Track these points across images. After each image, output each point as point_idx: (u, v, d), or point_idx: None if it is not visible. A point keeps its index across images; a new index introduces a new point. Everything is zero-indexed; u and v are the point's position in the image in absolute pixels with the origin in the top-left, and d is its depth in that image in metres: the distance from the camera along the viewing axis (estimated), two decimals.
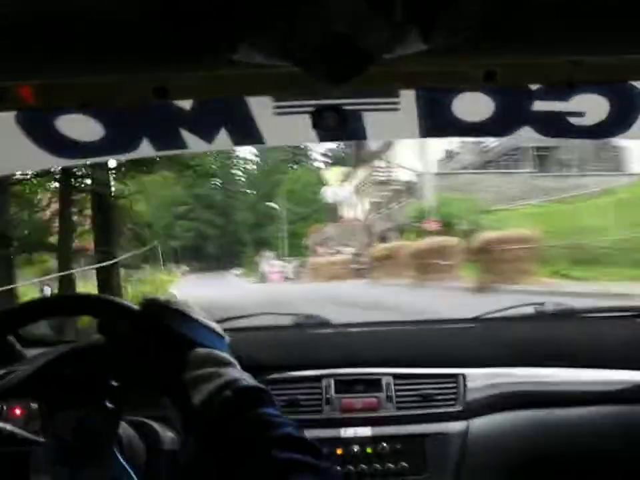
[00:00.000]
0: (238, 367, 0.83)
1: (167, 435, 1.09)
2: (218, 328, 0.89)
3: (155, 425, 1.07)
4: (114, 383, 0.91)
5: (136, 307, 0.90)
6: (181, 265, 41.00)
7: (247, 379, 0.80)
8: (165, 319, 0.85)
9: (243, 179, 54.16)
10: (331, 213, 34.45)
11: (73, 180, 10.60)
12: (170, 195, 32.80)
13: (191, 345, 0.83)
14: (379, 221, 24.84)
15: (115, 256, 11.18)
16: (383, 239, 22.83)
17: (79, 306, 1.00)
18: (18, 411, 1.23)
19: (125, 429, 0.99)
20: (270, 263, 30.50)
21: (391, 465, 1.34)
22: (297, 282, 24.56)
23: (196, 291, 16.88)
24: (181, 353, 0.82)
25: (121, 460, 0.93)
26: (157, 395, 0.87)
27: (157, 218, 39.70)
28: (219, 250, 49.29)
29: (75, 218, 11.52)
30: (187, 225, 45.69)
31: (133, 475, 0.96)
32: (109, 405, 0.91)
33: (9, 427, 1.01)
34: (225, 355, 0.83)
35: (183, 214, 44.83)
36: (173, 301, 0.88)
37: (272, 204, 37.74)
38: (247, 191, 50.22)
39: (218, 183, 48.12)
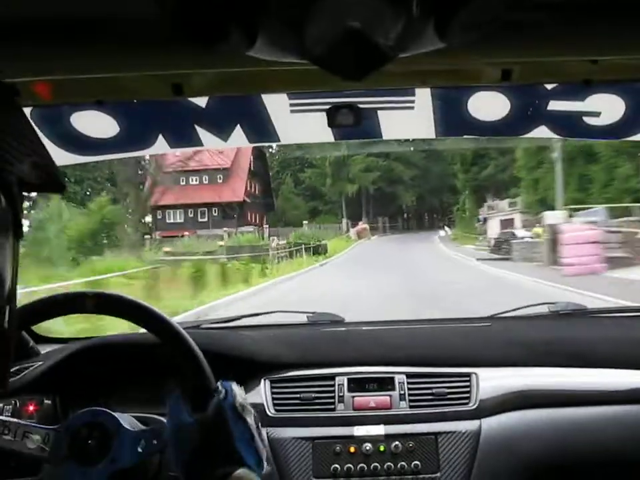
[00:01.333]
0: None
1: None
2: (264, 452, 0.94)
3: (164, 422, 1.08)
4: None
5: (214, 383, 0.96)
6: (359, 223, 28.83)
7: None
8: (232, 423, 0.92)
9: None
10: None
11: None
12: None
13: (240, 463, 0.91)
14: None
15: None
16: None
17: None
18: (31, 407, 1.25)
19: (134, 424, 1.00)
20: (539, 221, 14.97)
21: (404, 463, 1.34)
22: None
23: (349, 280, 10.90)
24: (229, 467, 0.91)
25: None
26: None
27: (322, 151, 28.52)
28: (417, 200, 33.15)
29: None
30: (367, 162, 30.44)
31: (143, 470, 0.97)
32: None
33: (22, 422, 1.02)
34: None
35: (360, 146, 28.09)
36: (246, 407, 0.94)
37: None
38: None
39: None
